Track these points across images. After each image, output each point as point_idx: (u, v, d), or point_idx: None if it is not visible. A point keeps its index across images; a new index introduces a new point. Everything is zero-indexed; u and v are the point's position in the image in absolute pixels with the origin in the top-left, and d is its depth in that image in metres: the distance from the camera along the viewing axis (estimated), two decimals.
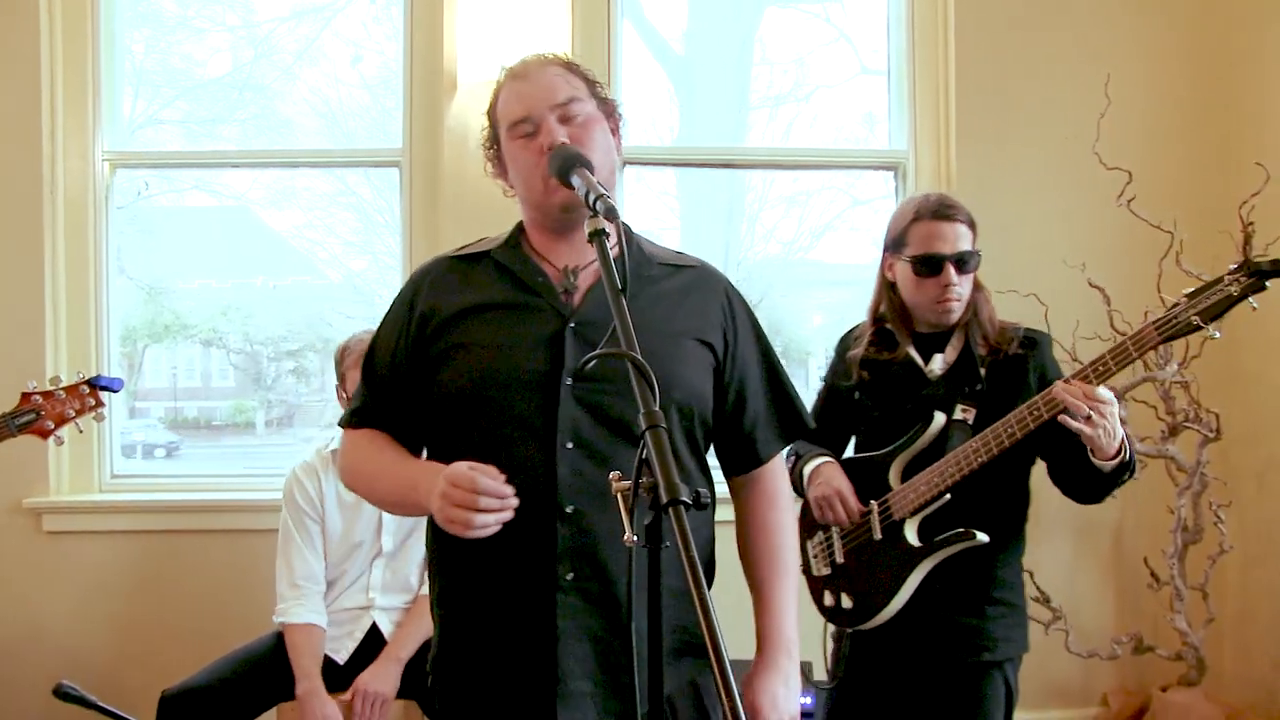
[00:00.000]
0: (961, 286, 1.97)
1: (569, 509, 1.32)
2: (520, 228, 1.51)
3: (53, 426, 2.13)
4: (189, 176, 3.33)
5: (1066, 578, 3.08)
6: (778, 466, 1.55)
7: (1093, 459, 1.79)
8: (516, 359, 1.36)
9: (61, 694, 2.38)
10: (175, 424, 3.42)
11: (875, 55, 3.35)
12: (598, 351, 1.15)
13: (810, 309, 3.64)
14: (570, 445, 1.33)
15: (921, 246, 1.98)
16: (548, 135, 1.36)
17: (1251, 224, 2.77)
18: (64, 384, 2.17)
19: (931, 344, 2.03)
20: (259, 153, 3.31)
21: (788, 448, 1.64)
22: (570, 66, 1.45)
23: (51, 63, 2.99)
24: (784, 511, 1.55)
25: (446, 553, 1.42)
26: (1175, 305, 1.76)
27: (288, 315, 3.38)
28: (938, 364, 2.00)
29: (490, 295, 1.42)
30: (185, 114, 3.36)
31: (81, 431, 2.33)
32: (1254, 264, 1.70)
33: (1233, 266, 1.71)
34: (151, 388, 3.37)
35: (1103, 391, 1.74)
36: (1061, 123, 3.05)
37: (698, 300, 1.46)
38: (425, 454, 1.47)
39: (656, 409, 1.01)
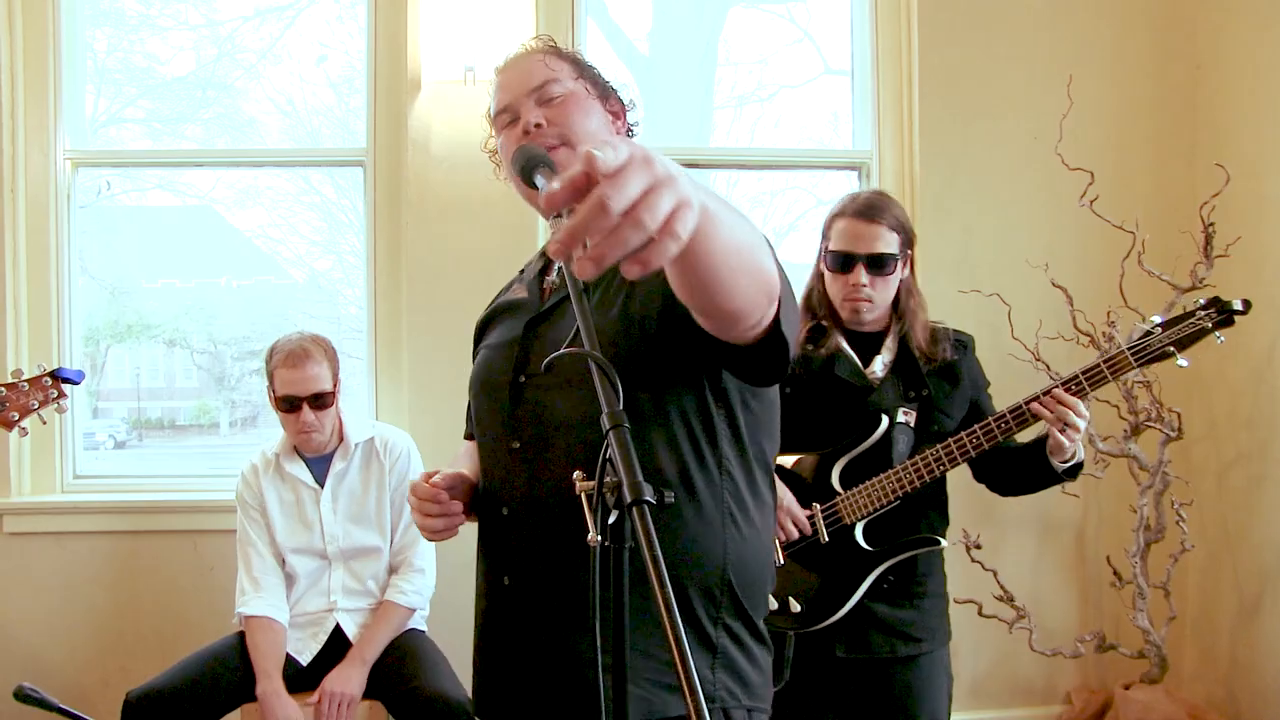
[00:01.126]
0: (874, 289, 1.97)
1: (505, 511, 1.32)
2: None
3: (17, 417, 2.12)
4: (152, 176, 3.31)
5: (1030, 577, 3.09)
6: None
7: (1050, 458, 1.90)
8: (493, 360, 1.39)
9: (22, 696, 2.36)
10: (138, 424, 3.41)
11: (839, 55, 3.35)
12: (560, 351, 1.13)
13: None
14: (516, 446, 1.32)
15: (838, 243, 1.99)
16: (524, 120, 1.33)
17: (1212, 224, 2.79)
18: (26, 375, 2.16)
19: (865, 344, 2.04)
20: (222, 152, 3.29)
21: None
22: (555, 50, 1.41)
23: (11, 61, 2.97)
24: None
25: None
26: (1149, 334, 1.89)
27: (251, 315, 3.37)
28: (878, 366, 2.01)
29: (506, 297, 1.48)
30: (149, 113, 3.35)
31: (45, 423, 2.31)
32: (1225, 304, 1.86)
33: (1202, 302, 1.88)
34: (114, 388, 3.35)
35: (1082, 408, 1.87)
36: (1024, 123, 3.06)
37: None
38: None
39: (620, 409, 0.98)
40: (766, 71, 3.41)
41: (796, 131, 3.41)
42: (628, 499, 0.92)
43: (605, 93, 1.41)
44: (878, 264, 1.96)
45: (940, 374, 2.00)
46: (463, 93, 2.88)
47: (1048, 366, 2.84)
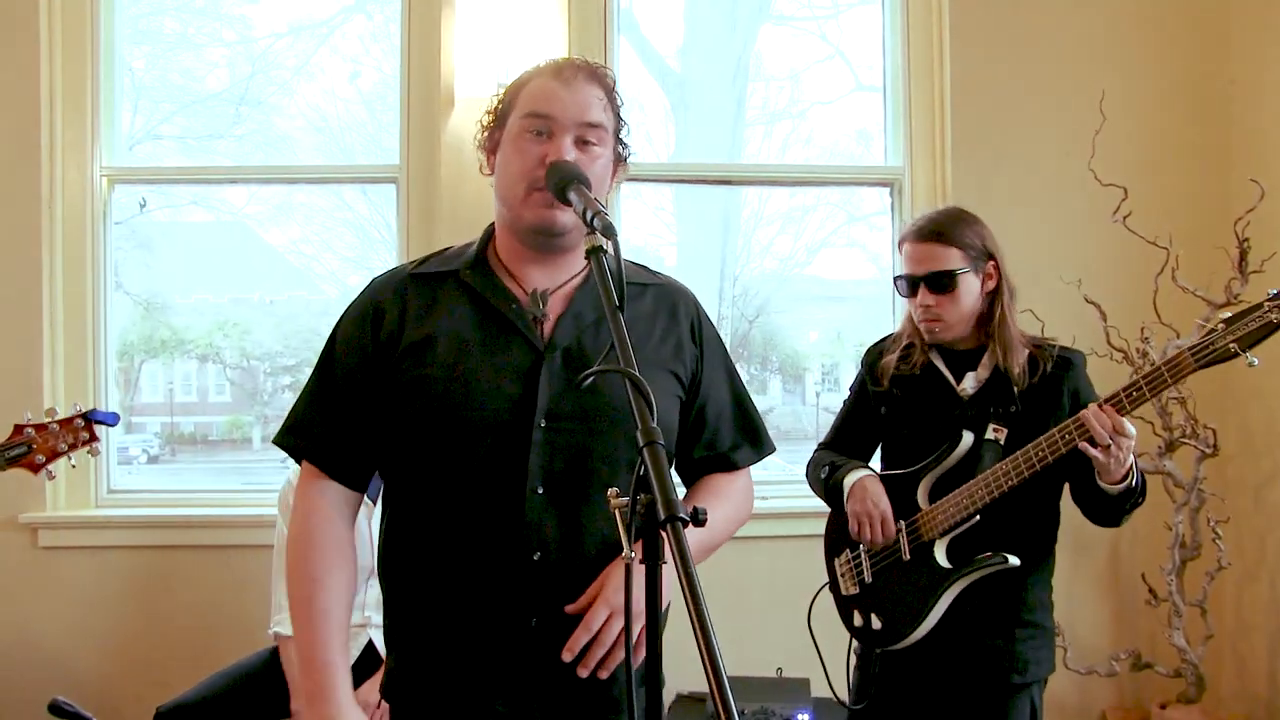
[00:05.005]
0: (942, 308, 1.96)
1: (536, 556, 1.28)
2: (489, 235, 1.43)
3: (43, 461, 2.08)
4: (187, 192, 3.33)
5: (1063, 594, 3.02)
6: (746, 474, 1.54)
7: (1098, 480, 1.80)
8: (487, 397, 1.29)
9: (56, 710, 2.37)
10: (171, 439, 3.41)
11: (870, 72, 3.37)
12: (595, 369, 1.11)
13: (806, 325, 3.64)
14: (540, 490, 1.28)
15: (903, 267, 2.02)
16: (557, 151, 1.30)
17: (1247, 240, 2.78)
18: (59, 416, 2.11)
19: (963, 362, 2.01)
20: (257, 168, 3.31)
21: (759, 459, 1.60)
22: (610, 95, 1.39)
23: (51, 78, 3.00)
24: (744, 492, 1.52)
25: (402, 594, 1.37)
26: (1212, 331, 1.73)
27: (284, 331, 3.38)
28: (969, 382, 1.99)
29: (458, 323, 1.33)
30: (183, 129, 3.37)
31: (74, 466, 2.29)
32: None
33: (1272, 292, 1.69)
34: (148, 403, 3.36)
35: (1129, 427, 1.75)
36: (1057, 139, 3.06)
37: (667, 323, 1.42)
38: (382, 485, 1.42)
39: (654, 425, 0.99)
40: (797, 87, 3.43)
41: (828, 148, 3.42)
42: (661, 516, 0.92)
43: (618, 155, 1.42)
44: (938, 283, 1.96)
45: (1036, 392, 1.94)
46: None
47: None
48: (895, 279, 2.06)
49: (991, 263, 2.00)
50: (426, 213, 3.04)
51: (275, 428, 1.43)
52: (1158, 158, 3.10)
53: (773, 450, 1.54)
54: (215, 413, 3.45)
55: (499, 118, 1.40)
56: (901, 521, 1.99)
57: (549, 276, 1.37)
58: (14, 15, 2.95)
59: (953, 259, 1.96)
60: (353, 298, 1.44)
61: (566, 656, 1.25)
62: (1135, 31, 3.13)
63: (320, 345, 1.44)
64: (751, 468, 1.54)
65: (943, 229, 1.98)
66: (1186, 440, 2.88)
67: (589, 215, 1.18)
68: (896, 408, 2.04)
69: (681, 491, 1.45)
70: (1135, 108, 3.08)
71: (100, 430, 2.17)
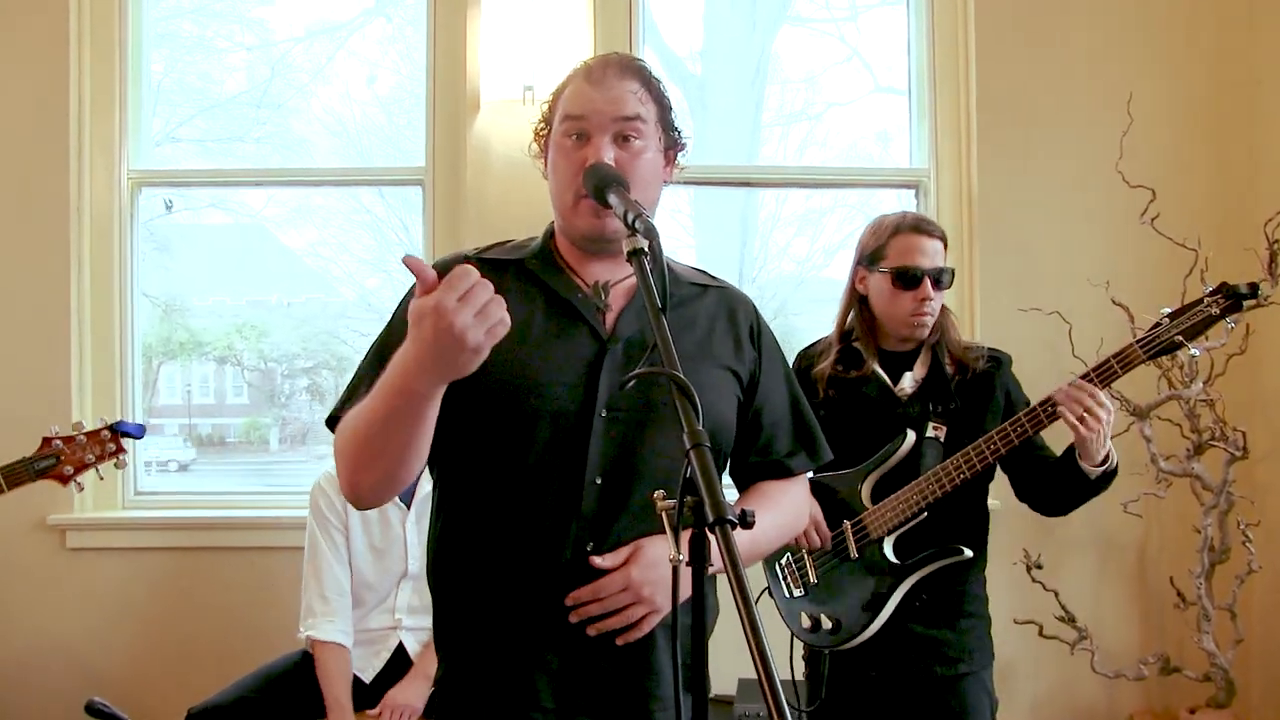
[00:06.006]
0: (935, 302, 2.00)
1: (589, 547, 1.27)
2: (550, 233, 1.44)
3: (71, 472, 2.11)
4: (205, 194, 3.33)
5: (1090, 598, 3.03)
6: (800, 482, 1.53)
7: (1080, 463, 1.85)
8: (550, 384, 1.29)
9: (93, 710, 2.40)
10: (189, 441, 3.42)
11: (888, 73, 3.35)
12: (637, 370, 1.11)
13: (823, 327, 3.61)
14: (598, 481, 1.29)
15: (901, 259, 2.00)
16: (595, 152, 1.30)
17: (1277, 241, 2.76)
18: (86, 429, 2.14)
19: (896, 362, 2.04)
20: (281, 171, 3.30)
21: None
22: (650, 86, 1.36)
23: (80, 80, 3.02)
24: (797, 500, 1.51)
25: (455, 591, 1.36)
26: (1157, 325, 1.86)
27: (302, 333, 3.38)
28: (907, 382, 2.02)
29: (524, 311, 1.32)
30: (202, 132, 3.38)
31: (102, 479, 2.32)
32: (1230, 288, 1.82)
33: (1209, 289, 1.84)
34: (166, 404, 3.36)
35: (1107, 401, 1.82)
36: (1084, 140, 3.03)
37: (726, 325, 1.42)
38: (433, 476, 1.39)
39: (700, 428, 0.99)
40: (814, 89, 3.41)
41: (845, 150, 3.40)
42: (709, 518, 0.91)
43: (671, 141, 1.40)
44: (940, 278, 2.00)
45: (971, 388, 2.00)
46: (521, 112, 2.87)
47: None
48: (895, 270, 1.99)
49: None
50: (453, 215, 3.03)
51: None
52: (1186, 159, 3.06)
53: (828, 459, 1.52)
54: (233, 415, 3.45)
55: (547, 124, 1.41)
56: (846, 521, 2.02)
57: (610, 272, 1.37)
58: (45, 16, 2.97)
59: (947, 256, 2.03)
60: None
61: (568, 602, 1.26)
62: (1162, 32, 3.10)
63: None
64: None
65: (937, 226, 2.05)
66: (1215, 443, 2.84)
67: (629, 217, 1.17)
68: (833, 410, 2.03)
69: (732, 496, 1.44)
70: (1163, 109, 3.04)
71: (126, 442, 2.19)
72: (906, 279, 1.99)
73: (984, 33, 3.07)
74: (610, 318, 1.34)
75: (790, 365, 1.52)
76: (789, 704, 2.05)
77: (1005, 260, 3.02)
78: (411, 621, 2.43)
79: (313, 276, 3.41)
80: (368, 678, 2.41)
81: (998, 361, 2.05)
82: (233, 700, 2.27)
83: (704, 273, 1.49)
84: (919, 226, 2.02)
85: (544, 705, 1.28)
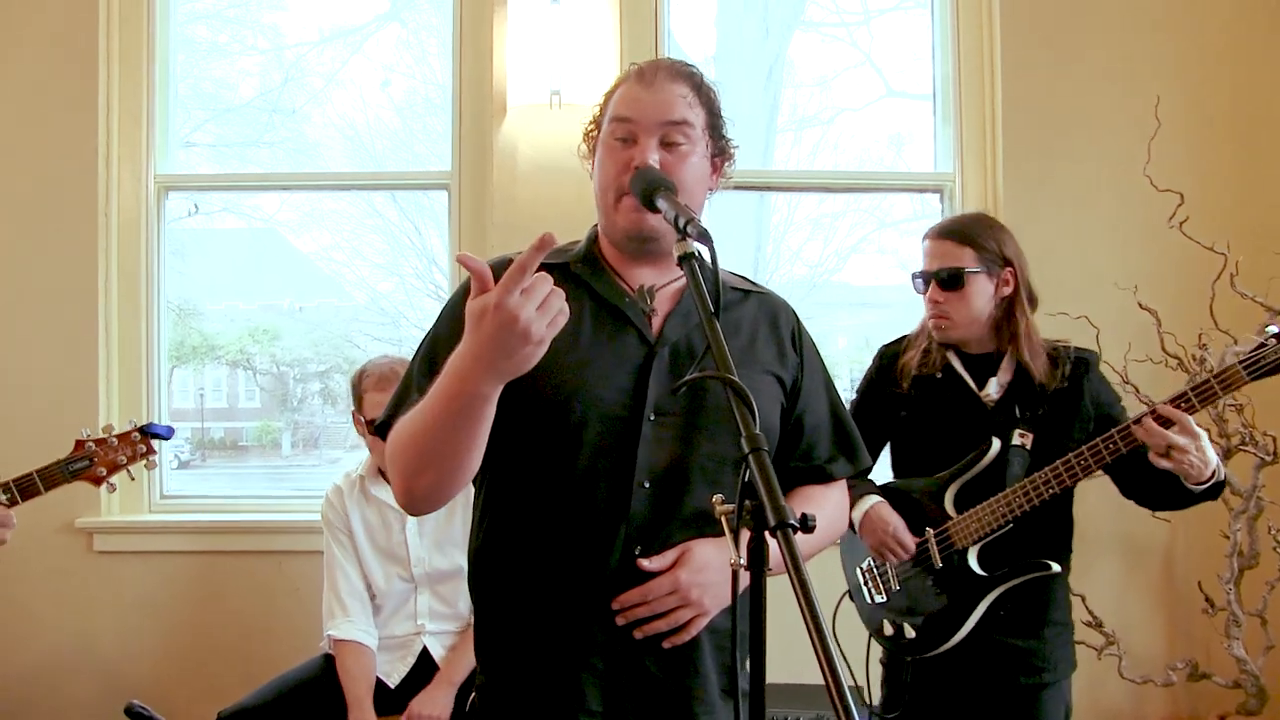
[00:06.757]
0: (950, 305, 1.98)
1: (637, 550, 1.27)
2: (593, 237, 1.44)
3: (105, 473, 2.14)
4: (218, 199, 3.34)
5: (1117, 602, 3.01)
6: (840, 487, 1.53)
7: (1185, 483, 1.81)
8: (598, 387, 1.29)
9: (133, 714, 2.48)
10: (202, 444, 3.42)
11: (900, 77, 3.34)
12: (690, 375, 1.11)
13: (836, 331, 3.62)
14: (647, 485, 1.28)
15: (921, 263, 2.04)
16: (641, 154, 1.31)
17: None
18: (116, 431, 2.18)
19: (981, 366, 2.01)
20: (306, 175, 3.30)
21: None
22: (699, 90, 1.37)
23: (109, 85, 3.03)
24: (839, 505, 1.50)
25: (497, 595, 1.36)
26: (1263, 345, 1.76)
27: (314, 337, 3.38)
28: (993, 388, 1.98)
29: (571, 315, 1.27)
30: (216, 137, 3.39)
31: (134, 479, 2.35)
32: None
33: None
34: (178, 408, 3.37)
35: (1196, 428, 1.75)
36: (1111, 145, 3.02)
37: (769, 331, 1.43)
38: (477, 483, 1.38)
39: (758, 432, 0.99)
40: (827, 94, 3.41)
41: (858, 154, 3.40)
42: (771, 522, 0.91)
43: (719, 149, 1.40)
44: (947, 280, 1.98)
45: (1060, 395, 1.96)
46: (548, 116, 2.87)
47: (1136, 389, 2.79)
48: (913, 276, 2.06)
49: (1009, 269, 2.00)
50: (479, 219, 3.03)
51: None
52: (1214, 163, 3.05)
53: (869, 465, 1.53)
54: (245, 419, 3.45)
55: (597, 125, 1.41)
56: (930, 529, 1.99)
57: (655, 276, 1.37)
58: (76, 22, 2.99)
59: (965, 258, 1.98)
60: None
61: (615, 606, 1.26)
62: (1189, 36, 3.09)
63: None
64: None
65: (961, 228, 2.03)
66: (1245, 448, 2.82)
67: (681, 221, 1.16)
68: (916, 411, 2.03)
69: None
70: (1191, 113, 3.03)
71: (156, 443, 2.21)
72: (917, 281, 2.05)
73: (1009, 37, 3.06)
74: (657, 321, 1.35)
75: (829, 371, 1.52)
76: (869, 708, 2.07)
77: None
78: (435, 626, 2.44)
79: (325, 280, 3.42)
80: (393, 682, 2.41)
81: (1085, 364, 1.99)
82: (261, 703, 2.29)
83: (744, 278, 1.49)
84: (933, 229, 2.06)
85: (591, 709, 1.28)
